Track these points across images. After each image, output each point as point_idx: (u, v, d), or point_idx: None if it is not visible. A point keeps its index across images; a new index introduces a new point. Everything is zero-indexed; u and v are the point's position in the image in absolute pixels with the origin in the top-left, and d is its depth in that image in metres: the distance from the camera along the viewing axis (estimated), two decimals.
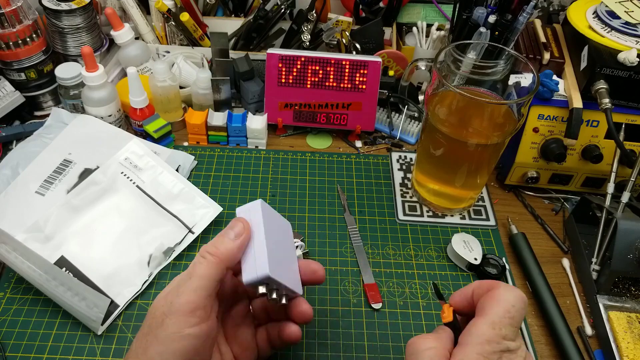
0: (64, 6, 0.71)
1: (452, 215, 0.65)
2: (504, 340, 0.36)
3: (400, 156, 0.74)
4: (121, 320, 0.53)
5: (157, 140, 0.70)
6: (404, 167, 0.72)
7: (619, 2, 0.68)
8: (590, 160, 0.64)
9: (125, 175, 0.63)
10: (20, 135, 0.70)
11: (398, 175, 0.71)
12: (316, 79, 0.71)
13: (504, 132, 0.56)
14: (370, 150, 0.75)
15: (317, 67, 0.70)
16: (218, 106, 0.76)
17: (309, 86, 0.71)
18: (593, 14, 0.68)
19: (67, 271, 0.55)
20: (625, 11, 0.66)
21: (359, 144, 0.76)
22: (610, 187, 0.61)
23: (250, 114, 0.73)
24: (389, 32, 0.84)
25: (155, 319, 0.38)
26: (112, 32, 0.76)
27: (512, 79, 0.58)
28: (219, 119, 0.72)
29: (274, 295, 0.41)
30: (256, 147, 0.74)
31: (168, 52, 0.81)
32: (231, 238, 0.40)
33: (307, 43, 0.77)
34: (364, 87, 0.71)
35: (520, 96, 0.56)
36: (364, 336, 0.53)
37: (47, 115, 0.71)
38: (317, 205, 0.66)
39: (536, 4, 0.73)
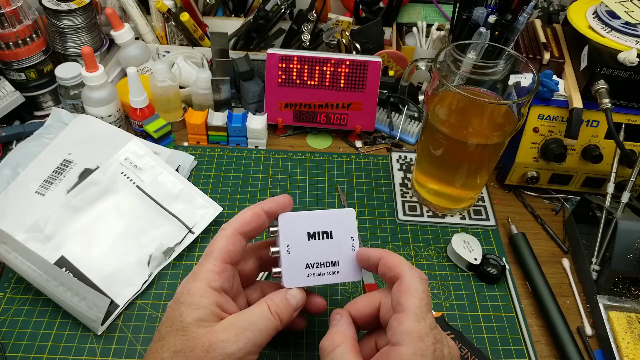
0: (64, 6, 0.71)
1: (452, 215, 0.65)
2: (432, 331, 0.37)
3: (400, 156, 0.74)
4: (121, 320, 0.53)
5: (157, 140, 0.70)
6: (404, 167, 0.72)
7: (619, 2, 0.68)
8: (590, 160, 0.64)
9: (125, 175, 0.63)
10: (20, 135, 0.70)
11: (398, 175, 0.71)
12: (316, 79, 0.71)
13: (504, 132, 0.56)
14: (370, 150, 0.75)
15: (317, 67, 0.70)
16: (218, 106, 0.76)
17: (309, 86, 0.71)
18: (593, 14, 0.68)
19: (67, 271, 0.55)
20: (625, 11, 0.66)
21: (359, 144, 0.76)
22: (610, 187, 0.61)
23: (250, 114, 0.73)
24: (389, 32, 0.84)
25: (212, 355, 0.37)
26: (112, 32, 0.76)
27: (512, 79, 0.58)
28: (219, 119, 0.72)
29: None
30: (256, 147, 0.74)
31: (168, 52, 0.81)
32: (293, 307, 0.42)
33: (307, 43, 0.77)
34: (364, 87, 0.71)
35: (520, 96, 0.56)
36: None
37: (47, 115, 0.71)
38: (317, 206, 0.66)
39: (536, 4, 0.73)
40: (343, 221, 0.45)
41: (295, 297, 0.43)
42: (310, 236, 0.44)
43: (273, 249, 0.44)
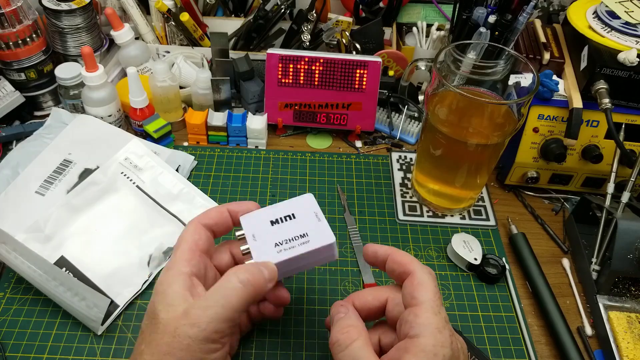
0: (64, 6, 0.71)
1: (452, 215, 0.65)
2: (447, 324, 0.37)
3: (400, 156, 0.74)
4: (121, 320, 0.53)
5: (157, 140, 0.70)
6: (404, 167, 0.72)
7: (619, 2, 0.68)
8: (590, 160, 0.64)
9: (125, 175, 0.63)
10: (20, 135, 0.70)
11: (398, 175, 0.71)
12: (316, 79, 0.71)
13: (504, 132, 0.56)
14: (370, 150, 0.75)
15: (317, 67, 0.70)
16: (218, 106, 0.76)
17: (309, 86, 0.71)
18: (593, 14, 0.68)
19: (67, 271, 0.55)
20: (625, 11, 0.66)
21: (359, 144, 0.76)
22: (610, 187, 0.61)
23: (250, 114, 0.73)
24: (389, 32, 0.84)
25: (178, 340, 0.37)
26: (112, 32, 0.76)
27: (512, 79, 0.58)
28: (219, 119, 0.72)
29: None
30: (256, 147, 0.74)
31: (168, 52, 0.81)
32: (265, 277, 0.41)
33: (307, 43, 0.77)
34: (364, 87, 0.71)
35: (520, 96, 0.56)
36: None
37: (47, 115, 0.71)
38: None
39: (536, 4, 0.73)
40: (303, 204, 0.46)
41: (267, 269, 0.41)
42: (274, 222, 0.45)
43: (243, 247, 0.44)
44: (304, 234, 0.44)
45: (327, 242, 0.44)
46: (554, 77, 0.64)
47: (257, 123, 0.71)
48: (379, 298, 0.43)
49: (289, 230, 0.44)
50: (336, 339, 0.39)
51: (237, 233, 0.45)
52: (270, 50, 0.70)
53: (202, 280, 0.42)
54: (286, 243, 0.44)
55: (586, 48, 0.64)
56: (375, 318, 0.44)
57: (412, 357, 0.36)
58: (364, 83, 0.71)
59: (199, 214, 0.45)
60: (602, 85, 0.60)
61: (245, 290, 0.39)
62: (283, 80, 0.71)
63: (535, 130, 0.64)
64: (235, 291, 0.39)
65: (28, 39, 0.70)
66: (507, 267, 0.60)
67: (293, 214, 0.45)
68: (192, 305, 0.38)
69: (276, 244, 0.44)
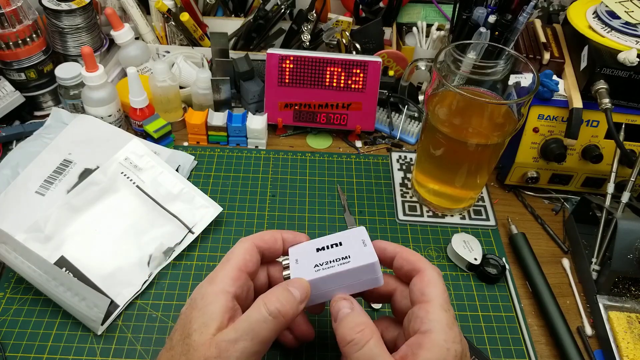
0: (64, 6, 0.71)
1: (452, 215, 0.65)
2: (455, 321, 0.38)
3: (400, 156, 0.74)
4: (121, 321, 0.53)
5: (157, 140, 0.70)
6: (404, 167, 0.72)
7: (619, 2, 0.68)
8: (590, 160, 0.64)
9: (125, 175, 0.63)
10: (20, 135, 0.70)
11: (398, 175, 0.71)
12: (316, 79, 0.71)
13: (504, 132, 0.56)
14: (370, 150, 0.75)
15: (317, 67, 0.70)
16: (218, 106, 0.76)
17: (309, 86, 0.71)
18: (593, 14, 0.68)
19: (67, 271, 0.55)
20: (625, 11, 0.66)
21: (359, 144, 0.76)
22: (610, 187, 0.61)
23: (250, 114, 0.73)
24: (389, 32, 0.84)
25: None
26: (112, 32, 0.76)
27: (512, 79, 0.58)
28: (219, 119, 0.72)
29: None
30: (256, 147, 0.74)
31: (168, 52, 0.81)
32: (297, 300, 0.39)
33: (307, 43, 0.77)
34: (364, 87, 0.71)
35: (520, 96, 0.56)
36: None
37: (47, 115, 0.71)
38: (317, 205, 0.66)
39: (536, 4, 0.73)
40: (353, 234, 0.44)
41: (298, 289, 0.40)
42: (320, 249, 0.44)
43: (284, 273, 0.43)
44: (346, 257, 0.42)
45: (368, 262, 0.41)
46: (554, 77, 0.64)
47: (257, 123, 0.71)
48: (389, 286, 0.43)
49: (332, 254, 0.43)
50: (351, 337, 0.37)
51: (284, 263, 0.44)
52: (270, 50, 0.70)
53: (242, 303, 0.41)
54: (326, 264, 0.42)
55: (586, 48, 0.64)
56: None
57: (426, 352, 0.36)
58: (364, 83, 0.71)
59: (254, 234, 0.44)
60: (602, 85, 0.60)
61: (276, 322, 0.37)
62: (283, 80, 0.71)
63: (535, 130, 0.64)
64: (264, 324, 0.37)
65: (28, 39, 0.70)
66: (507, 267, 0.60)
67: (340, 242, 0.44)
68: (222, 336, 0.36)
69: (316, 265, 0.42)
